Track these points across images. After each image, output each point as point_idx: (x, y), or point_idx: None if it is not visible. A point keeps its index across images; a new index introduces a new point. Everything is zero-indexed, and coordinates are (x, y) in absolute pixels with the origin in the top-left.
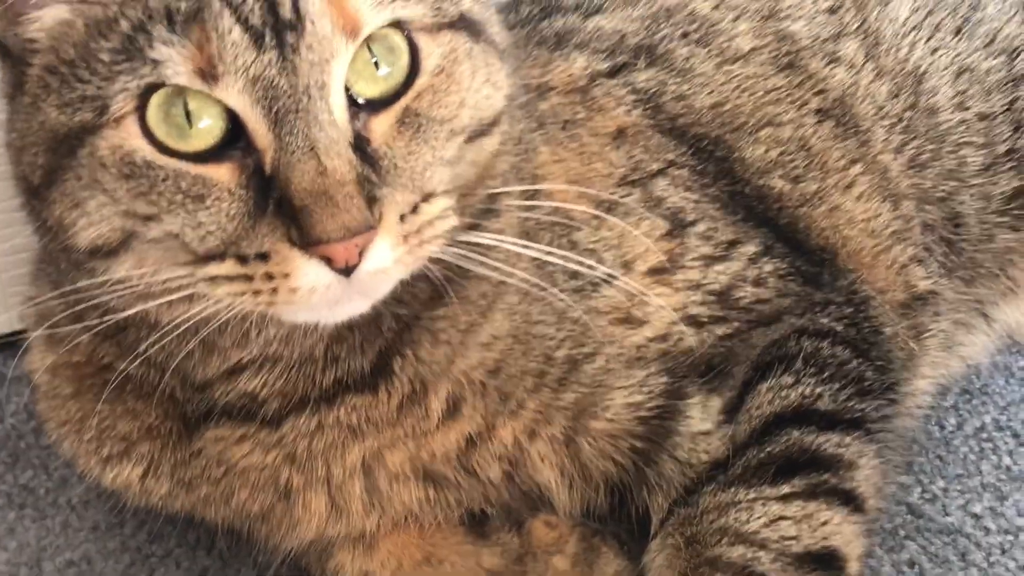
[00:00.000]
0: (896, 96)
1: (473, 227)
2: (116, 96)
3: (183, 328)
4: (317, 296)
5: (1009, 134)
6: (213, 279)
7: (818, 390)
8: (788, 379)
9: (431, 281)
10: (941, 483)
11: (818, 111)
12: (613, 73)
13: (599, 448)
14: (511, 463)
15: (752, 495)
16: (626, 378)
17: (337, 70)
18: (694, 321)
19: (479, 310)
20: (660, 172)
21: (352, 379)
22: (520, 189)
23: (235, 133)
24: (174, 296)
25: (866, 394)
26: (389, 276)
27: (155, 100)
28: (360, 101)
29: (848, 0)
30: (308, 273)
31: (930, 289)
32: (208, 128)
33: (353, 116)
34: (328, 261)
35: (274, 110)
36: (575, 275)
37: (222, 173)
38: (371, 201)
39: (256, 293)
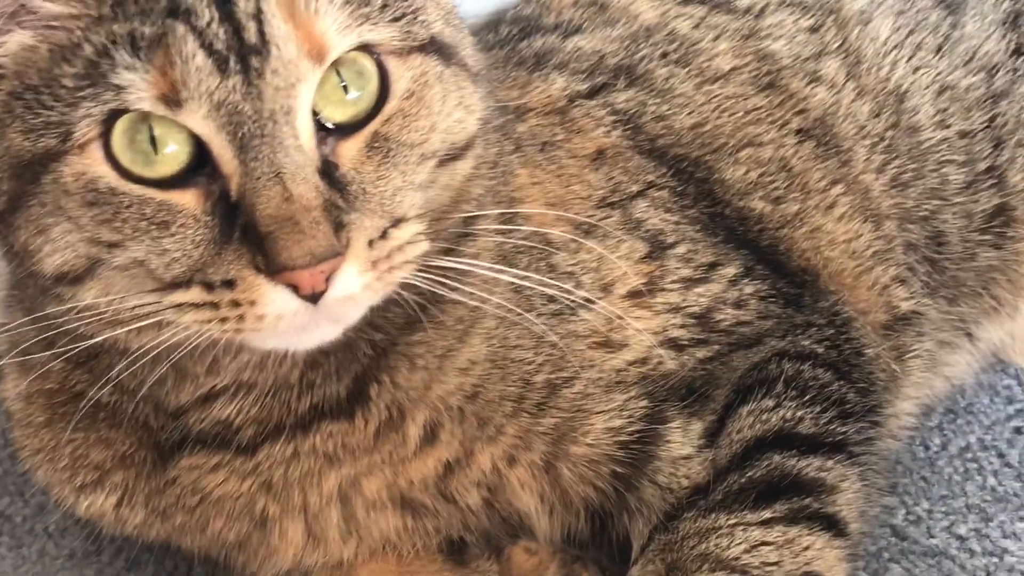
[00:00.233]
0: (878, 115)
1: (448, 251)
2: (80, 122)
3: (153, 355)
4: (284, 323)
5: (989, 151)
6: (179, 306)
7: (799, 413)
8: (769, 402)
9: (406, 306)
10: (925, 504)
11: (799, 131)
12: (592, 94)
13: (579, 473)
14: (490, 489)
15: (733, 520)
16: (606, 402)
17: (304, 95)
18: (674, 344)
19: (456, 335)
20: (639, 194)
21: (328, 405)
22: (497, 212)
23: (202, 159)
24: (142, 323)
25: (848, 417)
26: (358, 302)
27: (120, 126)
28: (329, 126)
29: (829, 19)
30: (274, 300)
31: (913, 309)
32: (174, 154)
33: (321, 141)
34: (295, 288)
35: (239, 135)
36: (553, 299)
37: (187, 199)
38: (338, 227)
39: (223, 320)
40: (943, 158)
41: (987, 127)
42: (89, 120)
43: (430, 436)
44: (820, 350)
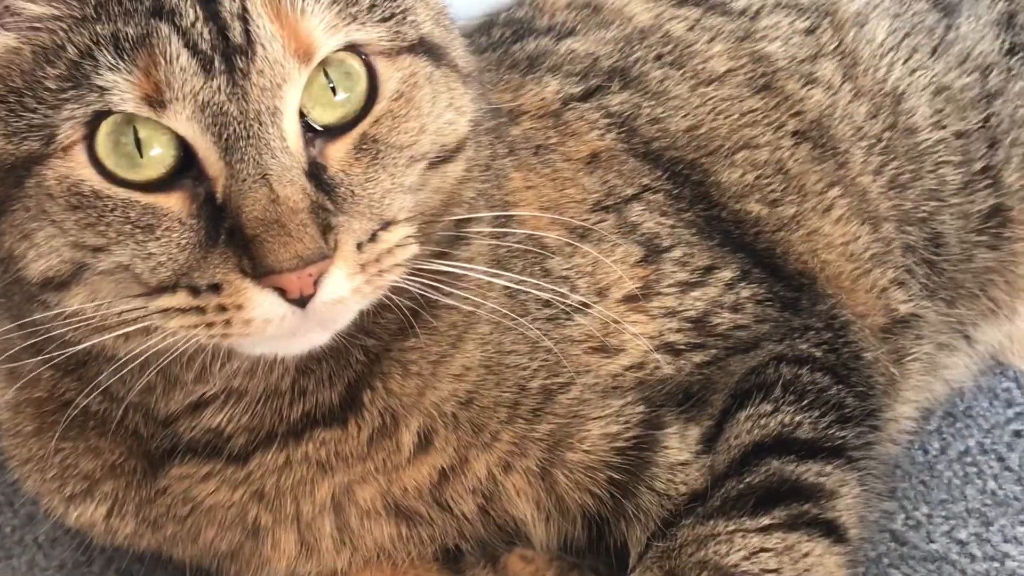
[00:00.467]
0: (875, 117)
1: (441, 255)
2: (63, 124)
3: (141, 361)
4: (272, 328)
5: (985, 151)
6: (166, 311)
7: (798, 418)
8: (767, 407)
9: (399, 311)
10: (925, 509)
11: (795, 133)
12: (586, 96)
13: (576, 480)
14: (485, 497)
15: (732, 527)
16: (602, 408)
17: (290, 95)
18: (671, 349)
19: (450, 340)
20: (635, 197)
21: (321, 413)
22: (491, 216)
23: (187, 161)
24: (129, 328)
25: (847, 421)
26: (347, 306)
27: (104, 128)
28: (317, 127)
29: (825, 21)
30: (262, 304)
31: (911, 312)
32: (159, 156)
33: (308, 143)
34: (282, 292)
35: (224, 137)
36: (548, 303)
37: (172, 202)
38: (326, 229)
39: (210, 325)
40: (940, 159)
41: (982, 127)
42: (73, 122)
43: (424, 443)
44: (818, 354)
